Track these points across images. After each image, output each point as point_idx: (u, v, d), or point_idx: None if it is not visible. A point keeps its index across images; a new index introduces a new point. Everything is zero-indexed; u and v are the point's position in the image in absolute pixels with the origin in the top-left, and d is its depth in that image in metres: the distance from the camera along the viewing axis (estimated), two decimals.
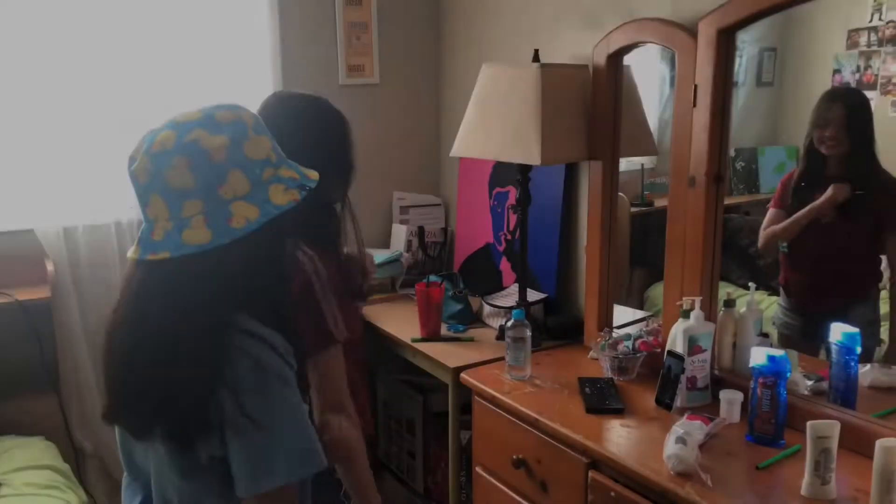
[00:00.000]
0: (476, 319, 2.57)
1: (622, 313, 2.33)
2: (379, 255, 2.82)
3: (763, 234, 2.01)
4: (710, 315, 1.89)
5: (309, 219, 1.56)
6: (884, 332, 1.81)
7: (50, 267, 2.42)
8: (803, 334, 1.98)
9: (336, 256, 1.64)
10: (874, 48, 1.77)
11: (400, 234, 3.00)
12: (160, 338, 1.09)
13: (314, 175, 1.18)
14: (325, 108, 1.63)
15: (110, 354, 1.15)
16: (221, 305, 1.10)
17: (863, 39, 1.79)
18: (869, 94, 1.80)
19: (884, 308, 1.83)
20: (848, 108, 1.85)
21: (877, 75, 1.77)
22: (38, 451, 2.21)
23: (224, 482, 1.11)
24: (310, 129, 1.57)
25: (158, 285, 1.09)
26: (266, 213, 1.07)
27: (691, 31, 1.88)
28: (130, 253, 1.10)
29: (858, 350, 1.64)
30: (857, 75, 1.81)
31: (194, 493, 1.14)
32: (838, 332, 1.67)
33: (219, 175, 1.06)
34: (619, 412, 1.81)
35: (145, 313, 1.10)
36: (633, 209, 2.41)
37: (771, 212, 2.01)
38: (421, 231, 3.00)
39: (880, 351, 1.80)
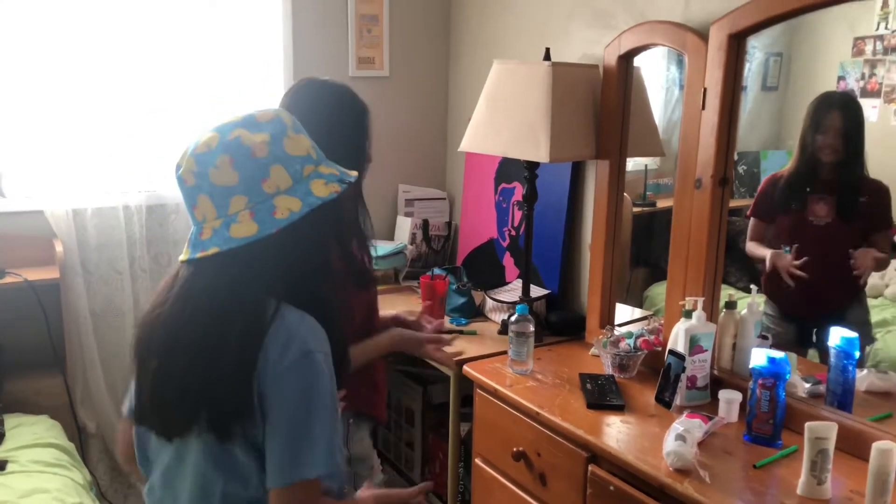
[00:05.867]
0: (479, 313, 2.60)
1: (622, 311, 2.35)
2: (383, 247, 2.84)
3: (748, 247, 2.05)
4: (711, 316, 1.92)
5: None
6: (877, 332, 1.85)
7: (59, 248, 2.44)
8: (794, 342, 2.00)
9: (341, 245, 1.65)
10: (879, 56, 1.79)
11: (404, 227, 3.03)
12: (206, 324, 1.11)
13: (353, 173, 1.22)
14: (347, 96, 1.64)
15: (147, 353, 1.17)
16: (266, 290, 1.13)
17: (868, 47, 1.81)
18: (873, 102, 1.82)
19: (877, 315, 1.87)
20: (846, 117, 1.88)
21: (881, 83, 1.79)
22: (43, 429, 2.23)
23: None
24: (329, 115, 1.59)
25: (206, 279, 1.13)
26: (308, 204, 1.11)
27: (702, 34, 1.90)
28: (181, 256, 1.15)
29: (857, 354, 1.67)
30: (862, 83, 1.83)
31: (240, 489, 1.15)
32: (837, 336, 1.70)
33: (261, 170, 1.10)
34: (619, 408, 1.84)
35: (191, 307, 1.13)
36: (635, 209, 2.43)
37: (753, 223, 2.05)
38: (425, 224, 3.02)
39: (873, 351, 1.83)
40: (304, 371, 1.10)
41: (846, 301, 1.92)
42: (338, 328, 1.22)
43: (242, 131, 1.11)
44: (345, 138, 1.62)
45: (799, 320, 2.03)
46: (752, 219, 2.06)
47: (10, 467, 2.00)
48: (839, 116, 1.88)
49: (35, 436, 2.17)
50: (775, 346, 1.96)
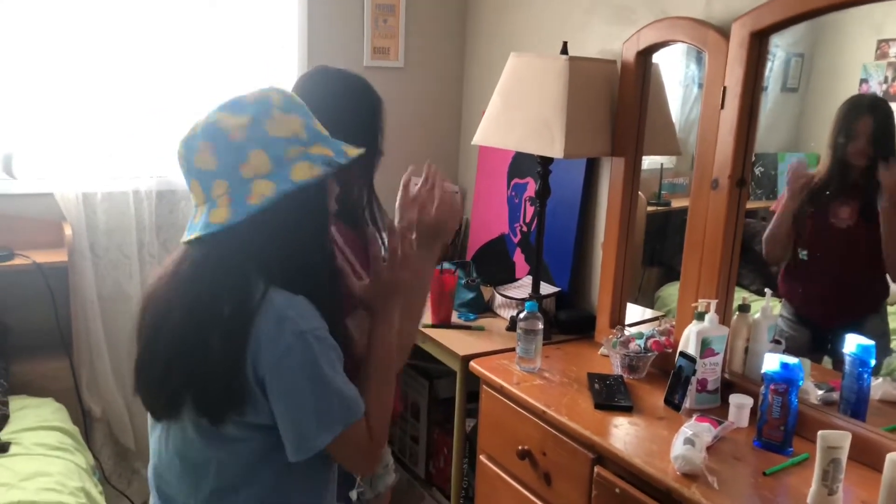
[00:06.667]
0: (487, 309, 2.58)
1: (633, 311, 2.33)
2: None
3: (765, 236, 2.01)
4: (724, 319, 1.89)
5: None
6: (895, 344, 1.82)
7: (68, 231, 2.44)
8: (808, 347, 1.97)
9: (362, 234, 1.64)
10: None
11: None
12: (192, 310, 1.11)
13: (353, 152, 1.18)
14: (362, 87, 1.62)
15: (140, 332, 1.19)
16: (250, 275, 1.12)
17: (893, 50, 1.78)
18: (895, 106, 1.79)
19: (894, 322, 1.83)
20: (877, 120, 1.84)
21: None
22: (48, 412, 2.23)
23: (267, 447, 1.15)
24: (341, 106, 1.57)
25: (192, 263, 1.14)
26: (281, 190, 1.08)
27: (724, 32, 1.87)
28: (182, 237, 1.16)
29: (872, 362, 1.64)
30: (885, 86, 1.80)
31: (234, 460, 1.16)
32: (853, 343, 1.66)
33: (239, 154, 1.08)
34: (627, 410, 1.82)
35: (177, 290, 1.14)
36: (650, 208, 2.40)
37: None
38: None
39: (890, 362, 1.80)
40: (299, 353, 1.09)
41: (865, 310, 1.89)
42: (336, 312, 1.20)
43: (222, 114, 1.10)
44: (356, 130, 1.59)
45: (814, 325, 1.99)
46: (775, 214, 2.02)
47: (13, 449, 1.99)
48: (869, 119, 1.85)
49: (40, 418, 2.17)
50: (789, 349, 1.94)
